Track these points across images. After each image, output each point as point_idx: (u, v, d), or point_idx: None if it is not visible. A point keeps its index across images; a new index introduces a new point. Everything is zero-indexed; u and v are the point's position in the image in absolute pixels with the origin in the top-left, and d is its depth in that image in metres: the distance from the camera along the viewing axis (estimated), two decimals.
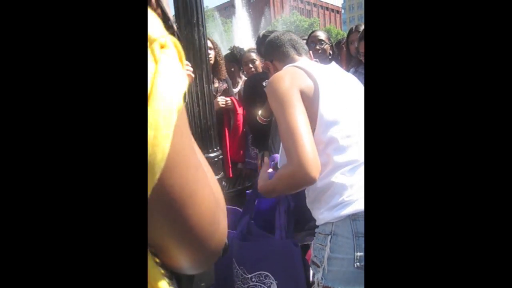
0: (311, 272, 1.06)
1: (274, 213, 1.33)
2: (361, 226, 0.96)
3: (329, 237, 0.99)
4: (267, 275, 1.21)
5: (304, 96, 1.02)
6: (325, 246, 0.99)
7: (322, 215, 1.02)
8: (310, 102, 1.02)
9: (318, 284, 1.01)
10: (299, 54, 1.24)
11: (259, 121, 2.22)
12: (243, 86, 2.76)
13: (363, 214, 0.97)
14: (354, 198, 0.98)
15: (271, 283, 1.20)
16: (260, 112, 2.22)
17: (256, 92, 2.40)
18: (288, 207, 1.28)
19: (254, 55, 2.89)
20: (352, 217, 0.97)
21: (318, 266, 1.01)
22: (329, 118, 1.02)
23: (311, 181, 0.94)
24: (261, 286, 1.22)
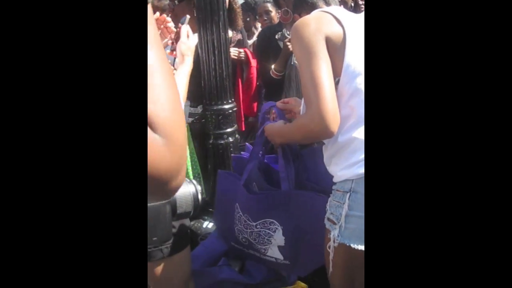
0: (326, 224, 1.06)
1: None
2: None
3: (348, 194, 0.97)
4: (272, 222, 1.24)
5: (330, 43, 0.98)
6: (343, 203, 0.97)
7: (341, 171, 0.99)
8: (337, 49, 0.98)
9: (334, 241, 1.00)
10: (329, 5, 1.21)
11: (272, 75, 2.17)
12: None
13: None
14: None
15: (276, 228, 1.23)
16: (273, 66, 2.16)
17: (270, 45, 2.33)
18: (294, 157, 1.29)
19: (269, 6, 2.78)
20: None
21: (335, 224, 1.00)
22: (356, 68, 0.96)
23: (329, 134, 0.95)
24: (265, 231, 1.25)
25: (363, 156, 0.95)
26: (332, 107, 0.93)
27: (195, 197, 0.99)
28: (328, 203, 1.05)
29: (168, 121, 0.37)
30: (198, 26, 1.64)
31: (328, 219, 1.04)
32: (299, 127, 1.04)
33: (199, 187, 0.97)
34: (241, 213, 1.29)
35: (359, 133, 0.96)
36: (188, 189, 0.98)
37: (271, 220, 1.23)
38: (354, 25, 1.01)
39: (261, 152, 1.33)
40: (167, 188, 0.37)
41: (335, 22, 1.00)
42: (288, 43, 2.01)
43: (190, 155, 1.77)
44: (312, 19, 1.02)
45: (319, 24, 0.99)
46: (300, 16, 1.24)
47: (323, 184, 1.21)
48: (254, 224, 1.26)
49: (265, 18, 2.80)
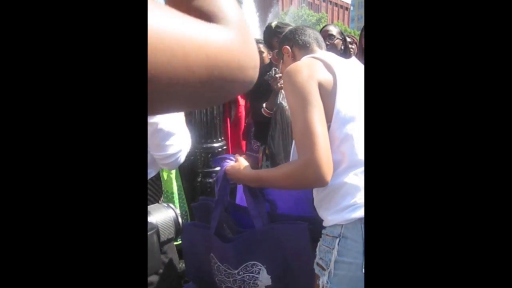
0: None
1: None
2: None
3: (338, 239, 0.95)
4: (254, 264, 1.18)
5: (322, 89, 0.98)
6: (333, 249, 0.95)
7: (331, 216, 0.98)
8: (328, 96, 0.98)
9: (323, 287, 0.97)
10: (320, 48, 1.23)
11: (264, 113, 2.19)
12: None
13: None
14: None
15: (260, 269, 1.18)
16: (265, 104, 2.18)
17: (261, 84, 2.37)
18: (262, 192, 1.25)
19: (261, 47, 2.85)
20: (364, 220, 0.93)
21: (324, 269, 0.97)
22: (346, 114, 0.97)
23: (324, 183, 0.93)
24: (249, 275, 1.19)
25: (353, 200, 0.94)
26: (327, 156, 0.92)
27: (176, 221, 0.97)
28: (318, 247, 1.03)
29: (231, 11, 0.36)
30: None
31: (318, 264, 1.01)
32: (289, 174, 0.98)
33: (177, 211, 0.95)
34: (219, 263, 1.23)
35: (350, 178, 0.96)
36: (169, 215, 0.95)
37: (253, 262, 1.18)
38: (344, 71, 1.03)
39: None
40: (246, 73, 0.37)
41: (325, 69, 1.02)
42: (276, 82, 2.04)
43: (177, 193, 1.75)
44: (304, 65, 1.03)
45: (311, 71, 1.00)
46: (291, 49, 1.25)
47: (294, 212, 1.18)
48: (236, 271, 1.20)
49: None
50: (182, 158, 1.10)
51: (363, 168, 0.96)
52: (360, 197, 0.94)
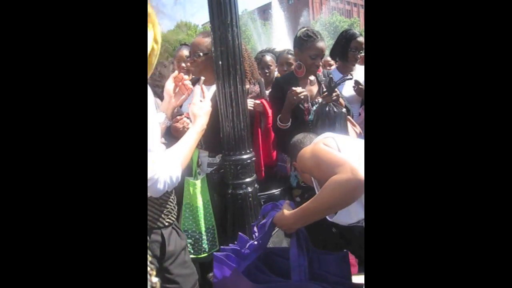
0: None
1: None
2: None
3: None
4: None
5: None
6: None
7: None
8: None
9: None
10: None
11: (279, 126, 2.16)
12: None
13: None
14: None
15: None
16: (278, 116, 2.15)
17: (283, 93, 2.36)
18: (307, 246, 1.22)
19: (291, 58, 2.87)
20: None
21: None
22: None
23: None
24: None
25: None
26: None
27: None
28: None
29: None
30: (217, 79, 1.70)
31: None
32: (334, 190, 0.97)
33: None
34: None
35: None
36: None
37: None
38: None
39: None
40: None
41: None
42: (291, 95, 2.02)
43: (204, 207, 1.76)
44: None
45: None
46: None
47: (333, 277, 1.14)
48: None
49: (285, 69, 2.88)
50: (161, 185, 0.93)
51: None
52: None
